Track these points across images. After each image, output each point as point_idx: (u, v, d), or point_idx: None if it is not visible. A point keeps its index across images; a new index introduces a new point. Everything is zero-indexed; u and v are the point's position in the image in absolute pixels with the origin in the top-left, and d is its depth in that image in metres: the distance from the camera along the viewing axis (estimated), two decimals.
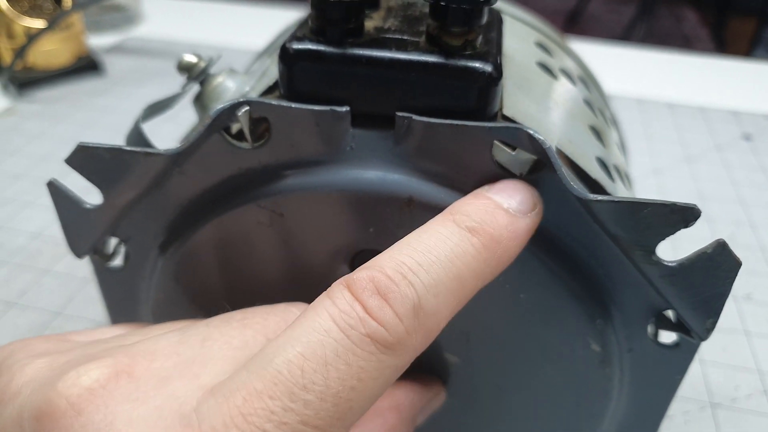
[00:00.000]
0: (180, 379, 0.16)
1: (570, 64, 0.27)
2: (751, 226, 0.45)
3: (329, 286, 0.16)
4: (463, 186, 0.18)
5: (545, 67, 0.24)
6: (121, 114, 0.57)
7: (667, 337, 0.20)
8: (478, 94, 0.17)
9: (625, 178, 0.24)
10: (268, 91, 0.20)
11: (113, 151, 0.18)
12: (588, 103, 0.25)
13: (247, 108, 0.17)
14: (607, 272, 0.18)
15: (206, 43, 0.71)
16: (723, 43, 2.02)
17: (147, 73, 0.64)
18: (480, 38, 0.18)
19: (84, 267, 0.39)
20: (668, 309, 0.18)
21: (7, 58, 0.59)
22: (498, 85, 0.17)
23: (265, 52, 0.27)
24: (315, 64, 0.18)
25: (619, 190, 0.22)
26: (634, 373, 0.20)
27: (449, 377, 0.21)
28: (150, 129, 0.22)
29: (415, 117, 0.17)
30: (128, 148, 0.18)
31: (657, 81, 0.66)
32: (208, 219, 0.19)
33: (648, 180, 0.49)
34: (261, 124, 0.18)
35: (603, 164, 0.22)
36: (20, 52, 0.56)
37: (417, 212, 0.18)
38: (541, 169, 0.17)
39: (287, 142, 0.18)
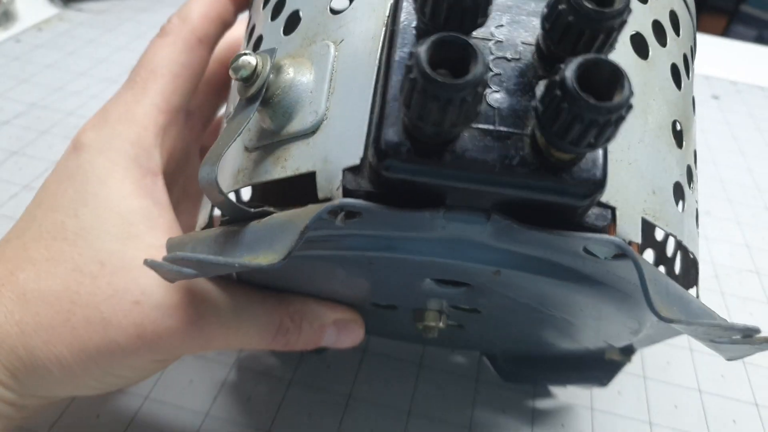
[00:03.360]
0: None
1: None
2: (714, 163, 0.55)
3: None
4: (549, 263, 0.19)
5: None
6: None
7: None
8: (582, 204, 0.17)
9: (695, 180, 0.24)
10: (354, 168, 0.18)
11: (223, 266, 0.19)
12: (682, 95, 0.23)
13: (343, 213, 0.17)
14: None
15: None
16: None
17: None
18: None
19: None
20: None
21: None
22: (603, 189, 0.16)
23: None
24: (408, 165, 0.16)
25: (686, 220, 0.22)
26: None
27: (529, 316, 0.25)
28: None
29: (515, 225, 0.17)
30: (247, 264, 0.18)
31: None
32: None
33: None
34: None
35: (680, 190, 0.21)
36: None
37: (502, 279, 0.20)
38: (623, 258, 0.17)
39: (379, 226, 0.18)
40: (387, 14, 0.19)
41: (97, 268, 0.23)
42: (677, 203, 0.21)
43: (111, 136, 0.25)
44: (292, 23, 0.22)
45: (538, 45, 0.17)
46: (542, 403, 0.34)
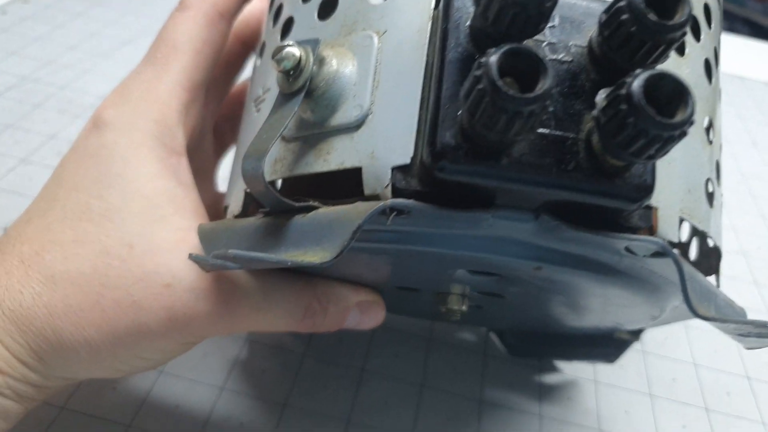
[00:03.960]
0: None
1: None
2: None
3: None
4: (587, 259, 0.19)
5: None
6: (157, 6, 0.58)
7: None
8: (632, 208, 0.17)
9: (721, 175, 0.24)
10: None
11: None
12: (713, 89, 0.23)
13: (395, 213, 0.17)
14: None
15: None
16: None
17: None
18: None
19: None
20: None
21: None
22: (651, 194, 0.17)
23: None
24: (464, 167, 0.16)
25: (714, 214, 0.22)
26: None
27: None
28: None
29: (564, 226, 0.17)
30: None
31: None
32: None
33: None
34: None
35: (710, 185, 0.22)
36: None
37: (543, 274, 0.20)
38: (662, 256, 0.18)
39: (425, 223, 0.18)
40: (432, 7, 0.19)
41: (126, 251, 0.23)
42: (708, 199, 0.22)
43: (134, 114, 0.25)
44: (328, 7, 0.22)
45: (590, 47, 0.17)
46: (548, 378, 0.36)
